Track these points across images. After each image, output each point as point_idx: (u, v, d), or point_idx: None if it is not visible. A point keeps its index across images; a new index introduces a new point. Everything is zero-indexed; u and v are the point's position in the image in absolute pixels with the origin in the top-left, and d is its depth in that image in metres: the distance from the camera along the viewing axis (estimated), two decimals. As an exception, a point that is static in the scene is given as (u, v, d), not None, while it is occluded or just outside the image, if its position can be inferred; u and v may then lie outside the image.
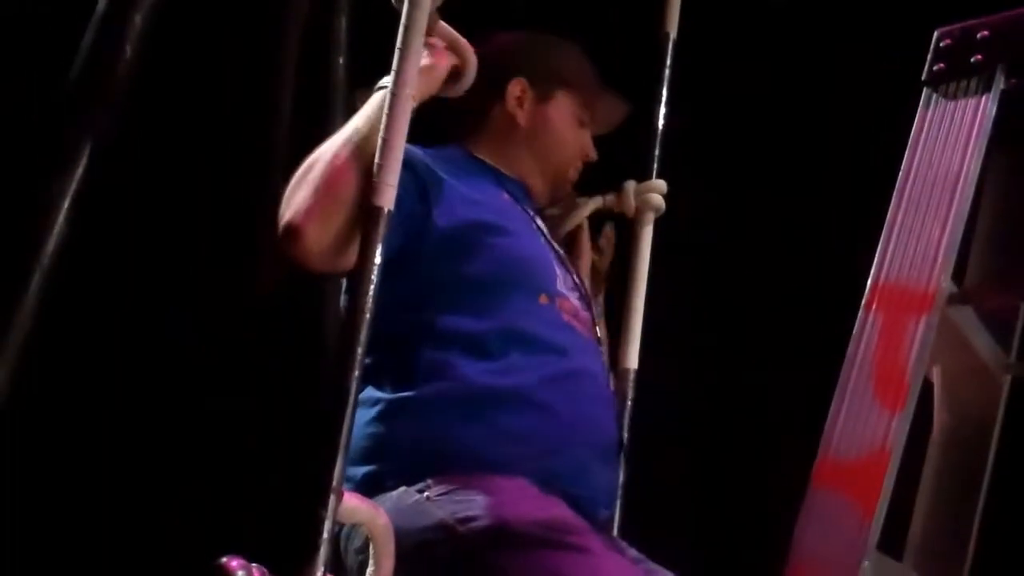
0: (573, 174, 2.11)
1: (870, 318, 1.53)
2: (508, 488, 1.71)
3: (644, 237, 2.25)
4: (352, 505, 1.61)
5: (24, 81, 2.44)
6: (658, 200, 2.24)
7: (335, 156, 1.69)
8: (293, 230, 1.67)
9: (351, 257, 1.66)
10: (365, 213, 1.63)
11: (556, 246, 2.02)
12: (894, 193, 1.55)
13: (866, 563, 1.46)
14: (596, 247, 2.26)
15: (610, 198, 2.24)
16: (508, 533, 1.65)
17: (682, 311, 2.35)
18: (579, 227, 2.23)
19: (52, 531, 2.50)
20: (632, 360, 2.20)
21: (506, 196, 1.98)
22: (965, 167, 1.53)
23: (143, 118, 2.43)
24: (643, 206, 2.24)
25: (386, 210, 1.65)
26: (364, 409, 1.77)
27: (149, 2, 2.32)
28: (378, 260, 1.62)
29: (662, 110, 2.31)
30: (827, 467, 1.50)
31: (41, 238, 2.25)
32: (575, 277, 2.00)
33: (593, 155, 2.12)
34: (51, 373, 2.49)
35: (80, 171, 2.26)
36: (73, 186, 2.25)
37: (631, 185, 2.24)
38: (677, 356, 2.32)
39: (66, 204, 2.26)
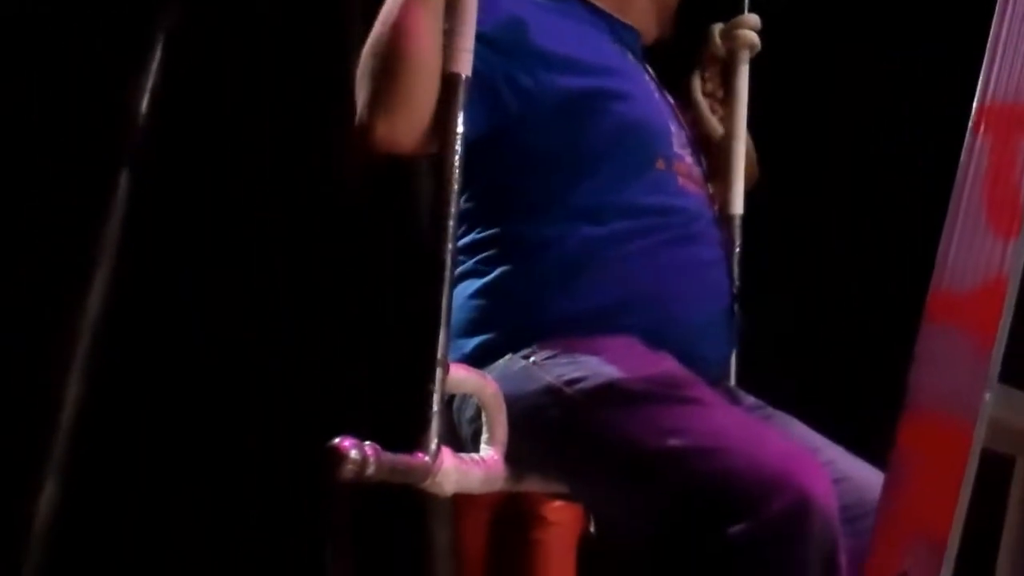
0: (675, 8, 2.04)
1: (978, 142, 1.44)
2: (614, 346, 1.70)
3: (741, 78, 2.17)
4: (460, 375, 1.61)
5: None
6: (752, 37, 2.15)
7: (389, 33, 1.64)
8: (362, 128, 1.64)
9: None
10: (442, 82, 1.61)
11: (668, 96, 1.97)
12: (996, 8, 1.45)
13: (988, 395, 1.41)
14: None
15: (701, 58, 2.16)
16: (616, 390, 1.63)
17: (782, 152, 2.27)
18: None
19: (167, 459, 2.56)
20: (738, 206, 2.15)
21: (618, 47, 1.91)
22: (1072, -28, 1.42)
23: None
24: (736, 45, 2.16)
25: (463, 76, 1.61)
26: (469, 282, 1.77)
27: None
28: (460, 129, 1.60)
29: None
30: (940, 301, 1.44)
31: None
32: (687, 130, 1.95)
33: None
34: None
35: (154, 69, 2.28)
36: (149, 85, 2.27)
37: (716, 28, 2.16)
38: (782, 200, 2.26)
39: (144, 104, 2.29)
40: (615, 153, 1.77)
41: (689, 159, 1.89)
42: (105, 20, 2.44)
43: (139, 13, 2.41)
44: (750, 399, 1.87)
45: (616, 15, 1.94)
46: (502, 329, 1.74)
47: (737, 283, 2.05)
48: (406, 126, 1.63)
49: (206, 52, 2.56)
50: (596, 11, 1.93)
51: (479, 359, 1.71)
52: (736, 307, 1.98)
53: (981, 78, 1.46)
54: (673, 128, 1.88)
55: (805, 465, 1.54)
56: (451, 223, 1.58)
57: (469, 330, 1.74)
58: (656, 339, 1.73)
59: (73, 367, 2.44)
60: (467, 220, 1.77)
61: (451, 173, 1.60)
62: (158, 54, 2.43)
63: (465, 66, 1.62)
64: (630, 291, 1.75)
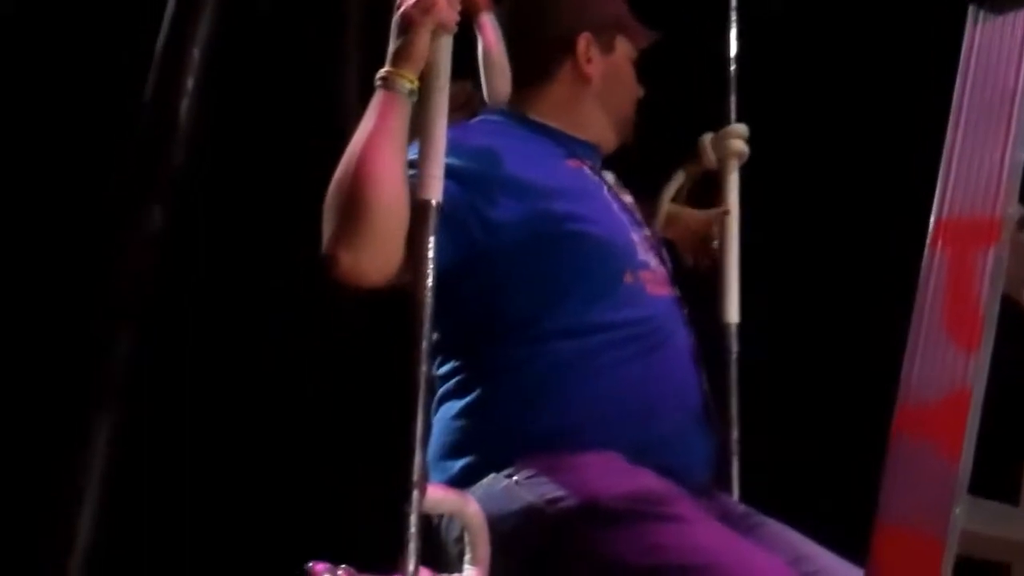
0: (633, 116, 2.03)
1: (936, 256, 1.45)
2: (594, 464, 1.71)
3: (731, 187, 2.20)
4: (437, 496, 1.63)
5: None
6: (740, 146, 2.19)
7: (352, 172, 1.65)
8: (328, 260, 1.65)
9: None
10: (413, 209, 1.63)
11: (626, 202, 1.96)
12: (948, 123, 1.47)
13: (958, 509, 1.40)
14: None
15: (690, 167, 2.19)
16: (597, 509, 1.65)
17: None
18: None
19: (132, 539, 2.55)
20: (733, 314, 2.16)
21: (571, 163, 1.92)
22: (1021, 82, 1.43)
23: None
24: (725, 155, 2.19)
25: (434, 202, 1.64)
26: (451, 403, 1.80)
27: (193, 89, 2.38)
28: (431, 254, 1.62)
29: (733, 50, 2.24)
30: (907, 414, 1.44)
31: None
32: (646, 231, 1.95)
33: (641, 92, 2.04)
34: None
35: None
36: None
37: (707, 138, 2.19)
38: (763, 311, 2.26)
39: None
40: (584, 276, 1.79)
41: (654, 262, 1.89)
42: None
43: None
44: (740, 507, 1.87)
45: (572, 133, 1.95)
46: (484, 450, 1.75)
47: (735, 389, 2.07)
48: (370, 261, 1.64)
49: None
50: (551, 131, 1.94)
51: (464, 480, 1.73)
52: (735, 414, 1.99)
53: (937, 193, 1.47)
54: (636, 237, 1.89)
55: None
56: (424, 345, 1.60)
57: (453, 452, 1.77)
58: (634, 450, 1.74)
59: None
60: (446, 344, 1.80)
61: (424, 296, 1.61)
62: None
63: (436, 192, 1.64)
64: (606, 405, 1.75)
